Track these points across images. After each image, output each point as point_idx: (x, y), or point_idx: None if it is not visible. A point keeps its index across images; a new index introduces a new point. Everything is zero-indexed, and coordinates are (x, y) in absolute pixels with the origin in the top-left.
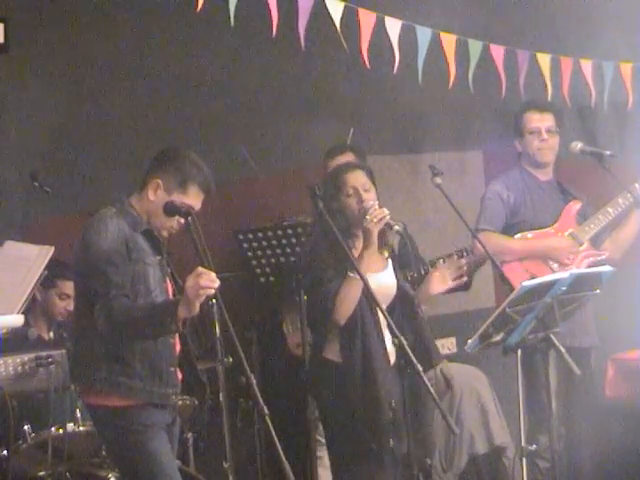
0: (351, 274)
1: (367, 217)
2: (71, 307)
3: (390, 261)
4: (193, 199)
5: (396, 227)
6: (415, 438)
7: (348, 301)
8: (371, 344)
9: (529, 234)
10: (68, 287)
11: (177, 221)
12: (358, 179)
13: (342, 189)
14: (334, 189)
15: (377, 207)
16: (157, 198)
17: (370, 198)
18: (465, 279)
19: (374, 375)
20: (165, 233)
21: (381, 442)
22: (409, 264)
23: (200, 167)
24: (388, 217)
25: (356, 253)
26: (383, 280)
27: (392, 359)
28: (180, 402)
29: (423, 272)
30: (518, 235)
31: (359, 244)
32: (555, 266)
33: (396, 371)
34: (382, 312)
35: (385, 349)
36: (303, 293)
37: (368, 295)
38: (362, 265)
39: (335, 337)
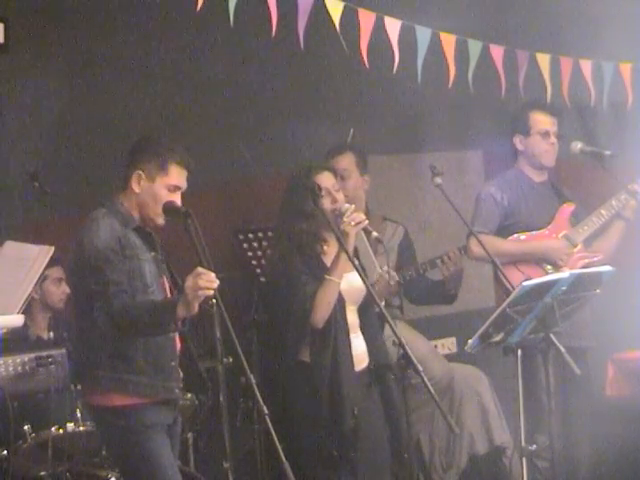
0: (328, 277)
1: (345, 219)
2: (67, 290)
3: (357, 263)
4: (177, 178)
5: (374, 233)
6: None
7: (326, 303)
8: (339, 347)
9: (523, 236)
10: (57, 271)
11: (174, 199)
12: (328, 180)
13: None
14: (305, 191)
15: (353, 210)
16: (142, 189)
17: (342, 199)
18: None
19: (339, 380)
20: (161, 220)
21: (342, 449)
22: (408, 265)
23: (175, 147)
24: (366, 222)
25: (327, 258)
26: (353, 281)
27: (363, 364)
28: (180, 402)
29: (422, 272)
30: (513, 237)
31: (329, 249)
32: (549, 268)
33: (370, 376)
34: (383, 313)
35: (351, 353)
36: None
37: (347, 296)
38: (340, 267)
39: (307, 340)
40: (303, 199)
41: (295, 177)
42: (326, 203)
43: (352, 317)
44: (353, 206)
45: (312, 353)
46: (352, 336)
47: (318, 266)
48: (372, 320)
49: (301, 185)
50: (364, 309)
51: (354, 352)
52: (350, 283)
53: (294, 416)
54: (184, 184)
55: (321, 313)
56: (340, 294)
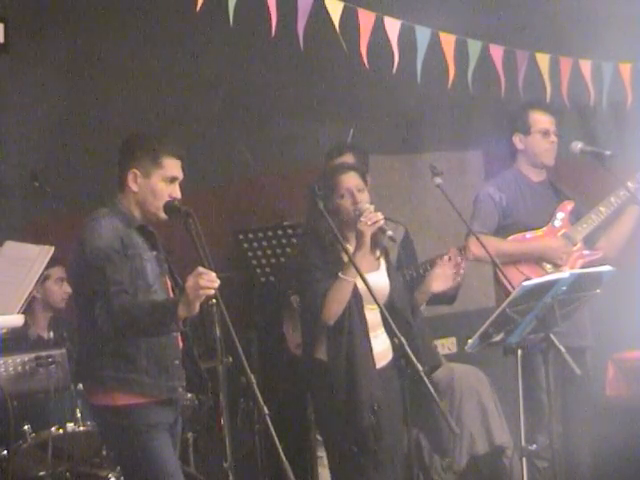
0: (341, 275)
1: (361, 219)
2: (69, 290)
3: (383, 262)
4: (172, 169)
5: (389, 232)
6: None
7: (337, 301)
8: (356, 345)
9: (522, 235)
10: (59, 271)
11: (172, 190)
12: (352, 180)
13: (336, 190)
14: (328, 190)
15: (372, 210)
16: (140, 187)
17: (364, 199)
18: (459, 279)
19: (356, 377)
20: (163, 214)
21: (362, 445)
22: (409, 264)
23: (164, 138)
24: (382, 221)
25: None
26: (375, 280)
27: (384, 361)
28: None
29: (422, 272)
30: (518, 236)
31: (350, 247)
32: (549, 267)
33: (391, 373)
34: (382, 312)
35: (371, 351)
36: (292, 293)
37: (366, 295)
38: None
39: (323, 337)
40: (325, 198)
41: (322, 175)
42: (347, 204)
43: (372, 316)
44: (372, 206)
45: (328, 351)
46: (371, 335)
47: (336, 264)
48: (401, 320)
49: (324, 184)
50: (388, 309)
51: (374, 350)
52: (370, 283)
53: (319, 416)
54: (180, 174)
55: (331, 310)
56: (358, 293)
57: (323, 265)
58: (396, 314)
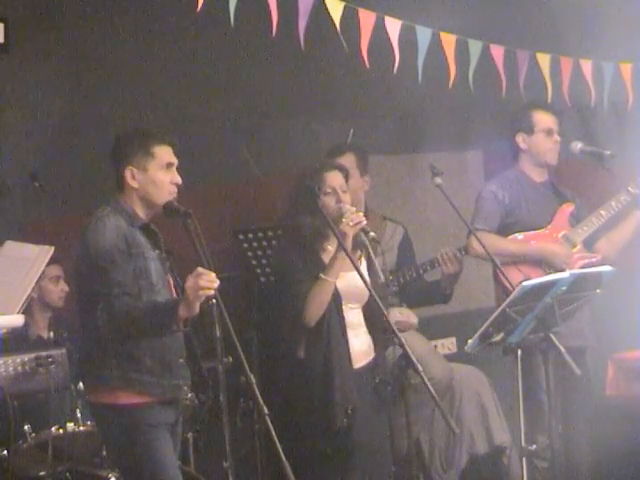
0: (323, 276)
1: (344, 220)
2: (66, 288)
3: (364, 262)
4: (166, 156)
5: (371, 234)
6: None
7: (318, 302)
8: (333, 346)
9: (520, 235)
10: (55, 269)
11: (171, 176)
12: (336, 179)
13: (322, 187)
14: (311, 189)
15: (354, 211)
16: (139, 182)
17: (347, 200)
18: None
19: (332, 378)
20: (174, 189)
21: (335, 446)
22: (409, 265)
23: (149, 130)
24: (364, 222)
25: (327, 255)
26: (355, 280)
27: (364, 361)
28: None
29: (422, 273)
30: (512, 236)
31: (330, 246)
32: (547, 269)
33: (370, 374)
34: (384, 313)
35: (348, 352)
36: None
37: (346, 295)
38: (336, 267)
39: (303, 337)
40: (309, 197)
41: (304, 174)
42: (330, 202)
43: (353, 316)
44: (354, 208)
45: (306, 350)
46: (351, 334)
47: (316, 263)
48: (379, 319)
49: (308, 183)
50: (368, 308)
51: (354, 350)
52: (350, 282)
53: (290, 413)
54: (174, 159)
55: (313, 312)
56: (337, 292)
57: (302, 265)
58: (374, 313)
